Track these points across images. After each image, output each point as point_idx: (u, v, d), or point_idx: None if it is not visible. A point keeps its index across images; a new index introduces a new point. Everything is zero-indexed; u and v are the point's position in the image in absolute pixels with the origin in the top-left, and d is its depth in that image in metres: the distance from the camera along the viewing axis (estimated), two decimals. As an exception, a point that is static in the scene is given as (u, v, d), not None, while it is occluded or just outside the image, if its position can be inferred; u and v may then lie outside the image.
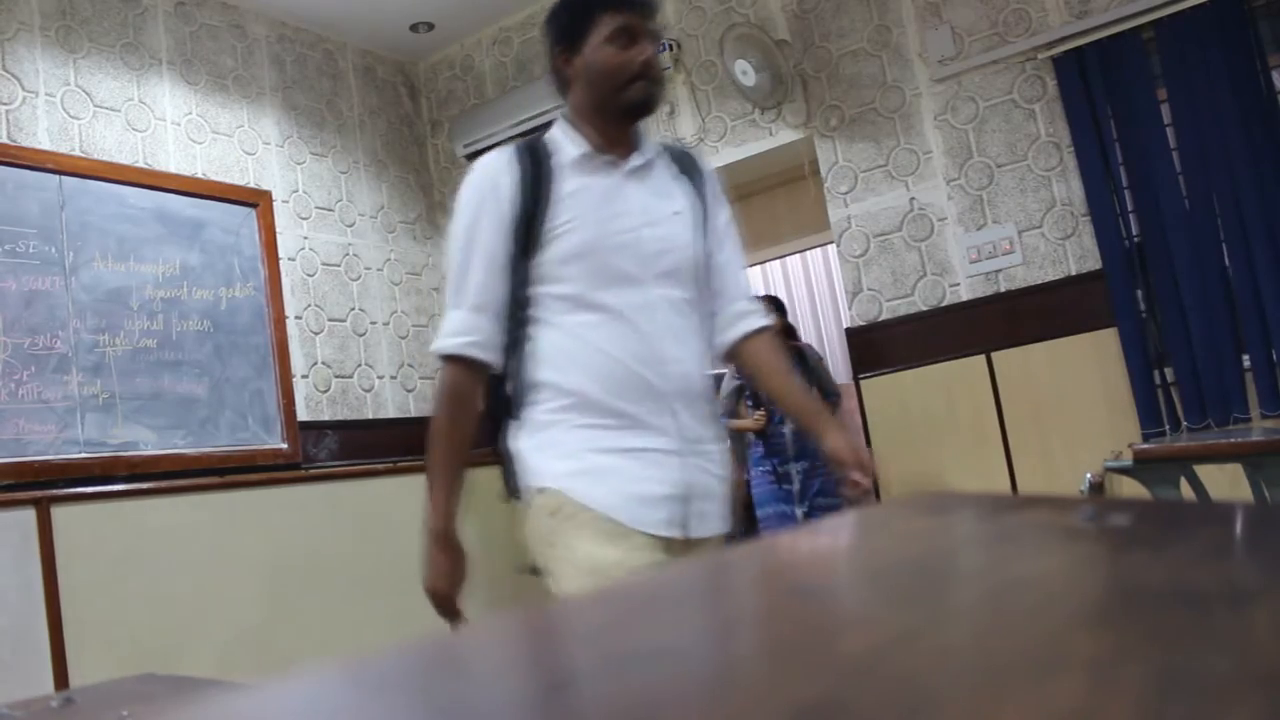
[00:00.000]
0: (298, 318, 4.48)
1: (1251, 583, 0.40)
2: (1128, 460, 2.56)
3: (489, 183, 1.62)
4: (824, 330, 6.97)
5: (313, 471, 4.21)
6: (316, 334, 4.55)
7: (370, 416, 4.71)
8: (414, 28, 5.03)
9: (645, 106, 1.66)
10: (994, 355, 3.83)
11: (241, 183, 4.39)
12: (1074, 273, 3.70)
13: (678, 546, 1.57)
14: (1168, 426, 3.48)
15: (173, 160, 4.15)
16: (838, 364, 6.46)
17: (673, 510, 1.57)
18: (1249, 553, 0.50)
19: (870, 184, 4.12)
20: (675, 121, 4.61)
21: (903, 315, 4.04)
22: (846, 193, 4.17)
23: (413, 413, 4.93)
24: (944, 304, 3.95)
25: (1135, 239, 3.60)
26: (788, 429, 4.10)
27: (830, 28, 4.20)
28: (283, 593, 3.61)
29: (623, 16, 1.64)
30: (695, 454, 1.62)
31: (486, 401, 1.71)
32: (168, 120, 4.18)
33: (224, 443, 4.01)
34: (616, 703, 0.28)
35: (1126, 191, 3.59)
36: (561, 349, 1.59)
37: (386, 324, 4.92)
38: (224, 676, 3.02)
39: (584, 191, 1.60)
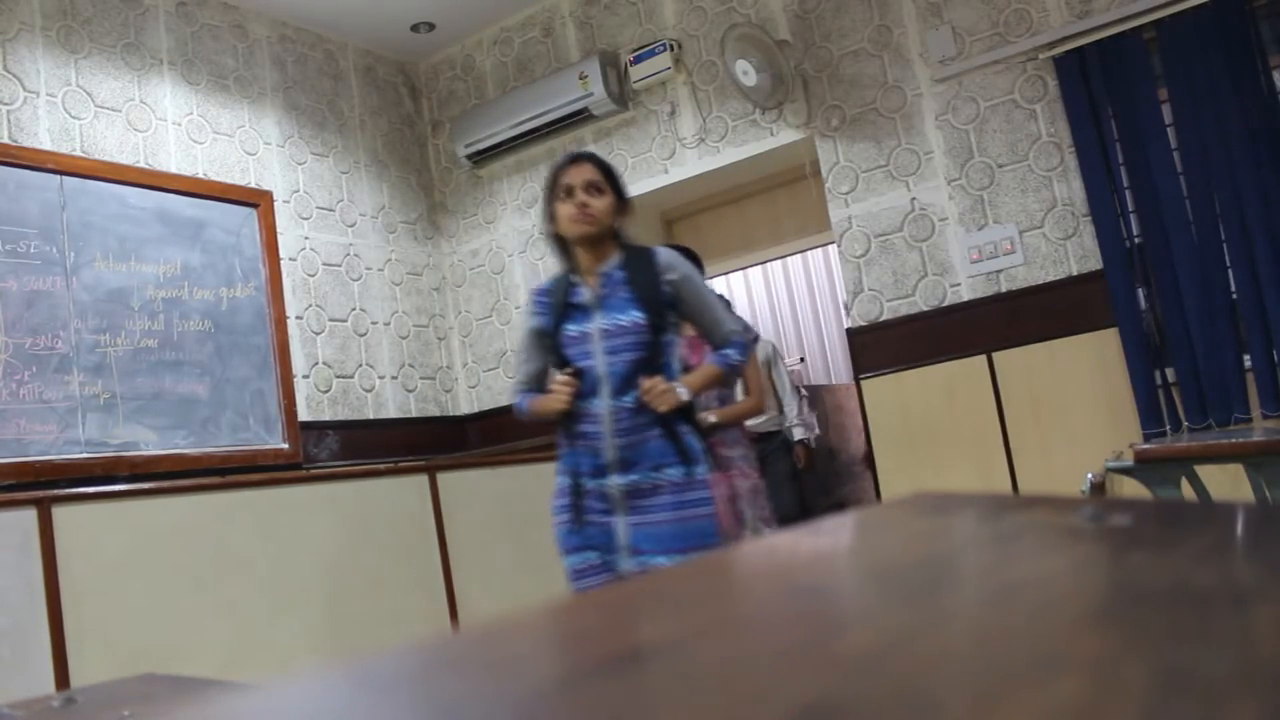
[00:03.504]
0: (299, 318, 4.48)
1: (1253, 583, 0.40)
2: (1129, 460, 2.56)
3: None
4: (824, 330, 6.97)
5: (314, 471, 4.21)
6: (317, 334, 4.55)
7: (371, 416, 4.71)
8: (415, 28, 5.03)
9: None
10: (995, 355, 3.83)
11: (242, 183, 4.39)
12: (1075, 273, 3.70)
13: None
14: (1169, 426, 3.48)
15: (174, 160, 4.15)
16: (839, 364, 6.45)
17: None
18: (1250, 553, 0.50)
19: (871, 184, 4.12)
20: (676, 122, 4.61)
21: (904, 315, 4.04)
22: (847, 193, 4.17)
23: (413, 413, 4.93)
24: (945, 304, 3.95)
25: (1136, 239, 3.60)
26: (604, 404, 2.28)
27: (831, 28, 4.20)
28: (283, 593, 3.61)
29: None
30: None
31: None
32: (169, 120, 4.18)
33: (225, 443, 4.01)
34: (616, 702, 0.28)
35: (1127, 191, 3.59)
36: None
37: (387, 324, 4.92)
38: (224, 676, 3.02)
39: None
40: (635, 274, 2.35)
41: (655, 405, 2.25)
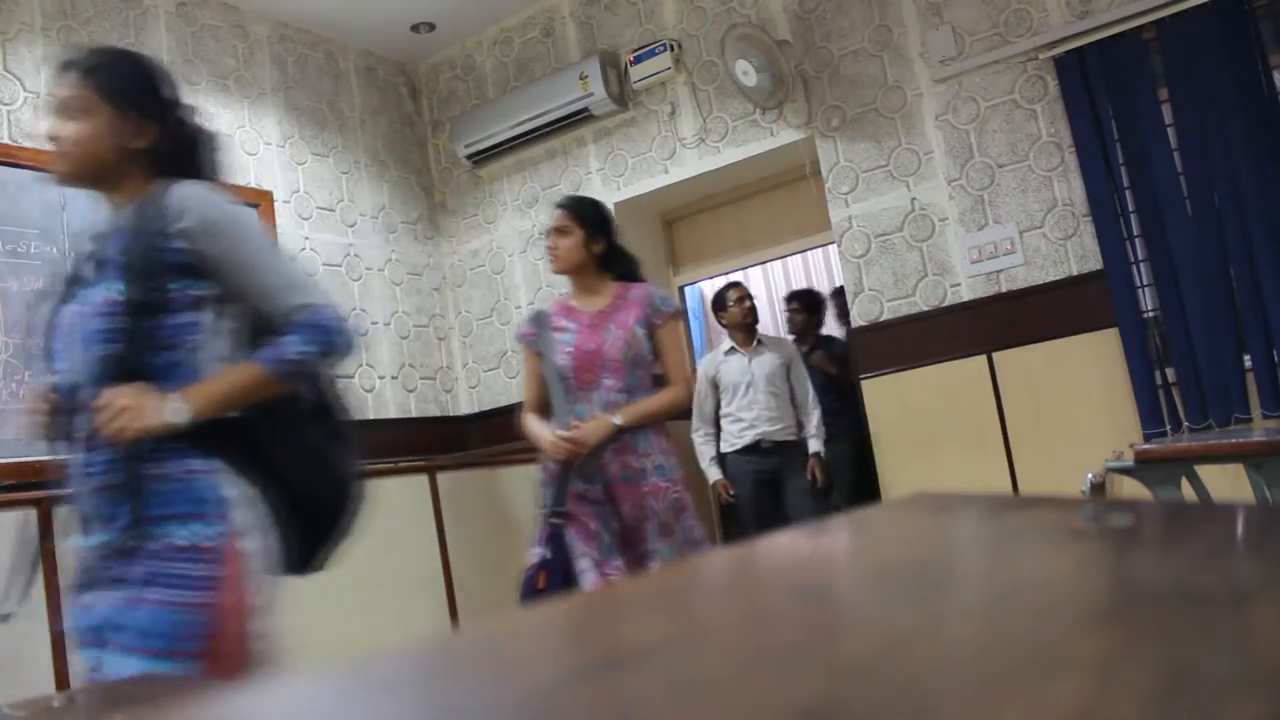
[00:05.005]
0: (299, 318, 4.48)
1: (1253, 583, 0.40)
2: (1129, 460, 2.56)
3: None
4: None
5: (314, 472, 4.21)
6: (317, 334, 4.55)
7: (371, 417, 4.71)
8: (415, 28, 5.03)
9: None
10: (995, 355, 3.83)
11: (243, 183, 4.39)
12: (1075, 273, 3.70)
13: None
14: (1169, 426, 3.48)
15: (174, 160, 4.15)
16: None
17: None
18: (1251, 553, 0.50)
19: (871, 184, 4.12)
20: (677, 122, 4.61)
21: (904, 315, 4.04)
22: (848, 193, 4.17)
23: (413, 413, 4.93)
24: (945, 304, 3.95)
25: (1136, 239, 3.60)
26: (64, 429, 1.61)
27: (831, 28, 4.20)
28: (282, 593, 3.61)
29: None
30: None
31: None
32: (169, 120, 4.18)
33: (225, 443, 4.01)
34: (616, 703, 0.28)
35: (1128, 191, 3.59)
36: None
37: (387, 324, 4.92)
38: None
39: None
40: (137, 226, 1.51)
41: (111, 433, 1.42)
